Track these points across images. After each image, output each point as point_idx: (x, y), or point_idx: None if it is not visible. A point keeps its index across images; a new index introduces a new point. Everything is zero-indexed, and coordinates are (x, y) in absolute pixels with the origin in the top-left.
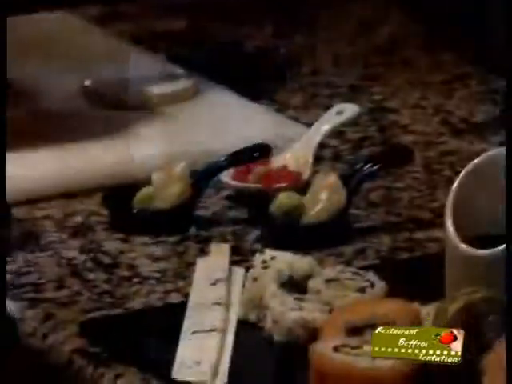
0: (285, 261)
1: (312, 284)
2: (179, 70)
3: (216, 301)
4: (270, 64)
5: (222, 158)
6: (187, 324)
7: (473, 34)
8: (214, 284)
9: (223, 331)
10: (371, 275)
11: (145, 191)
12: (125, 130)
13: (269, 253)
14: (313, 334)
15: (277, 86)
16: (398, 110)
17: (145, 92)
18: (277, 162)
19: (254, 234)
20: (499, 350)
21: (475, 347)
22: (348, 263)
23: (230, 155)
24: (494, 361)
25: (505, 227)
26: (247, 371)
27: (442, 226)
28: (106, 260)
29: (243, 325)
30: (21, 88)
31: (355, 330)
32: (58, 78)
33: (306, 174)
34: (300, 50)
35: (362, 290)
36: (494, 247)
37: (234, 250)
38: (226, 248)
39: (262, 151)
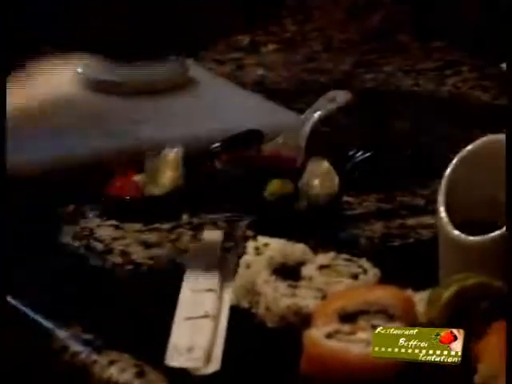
0: (277, 247)
1: (305, 270)
2: (172, 57)
3: (209, 287)
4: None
5: (216, 144)
6: (180, 310)
7: (464, 21)
8: (206, 271)
9: (216, 318)
10: (364, 261)
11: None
12: (118, 115)
13: (261, 239)
14: (305, 320)
15: (268, 71)
16: (391, 96)
17: (138, 78)
18: (269, 148)
19: (247, 220)
20: (493, 335)
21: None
22: (341, 250)
23: (223, 141)
24: (489, 347)
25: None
26: (240, 358)
27: (434, 212)
28: (99, 247)
29: (236, 311)
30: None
31: (348, 317)
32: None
33: (298, 161)
34: (293, 36)
35: (354, 277)
36: (487, 233)
37: (227, 237)
38: (218, 234)
39: (254, 137)
